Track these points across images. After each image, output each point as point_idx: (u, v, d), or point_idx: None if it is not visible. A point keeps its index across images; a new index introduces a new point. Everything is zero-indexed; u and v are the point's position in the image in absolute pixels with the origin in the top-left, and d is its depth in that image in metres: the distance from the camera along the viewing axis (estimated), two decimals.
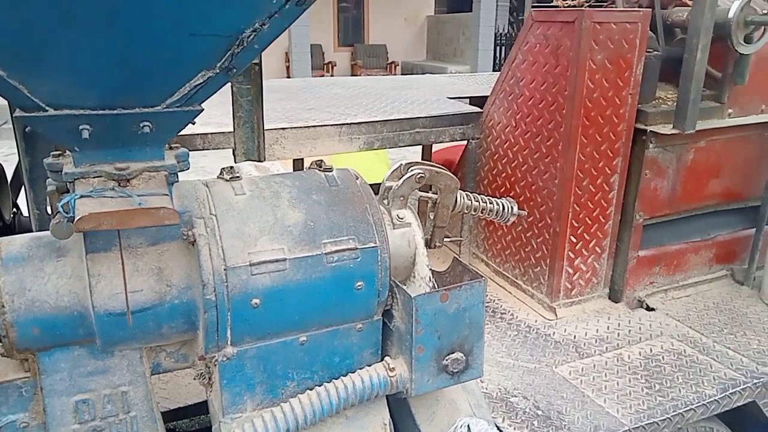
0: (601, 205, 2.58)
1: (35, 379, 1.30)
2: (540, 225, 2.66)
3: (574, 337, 2.50)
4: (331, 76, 14.87)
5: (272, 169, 1.81)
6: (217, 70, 1.12)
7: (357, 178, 1.55)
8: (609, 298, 2.80)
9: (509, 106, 2.75)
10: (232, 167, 1.49)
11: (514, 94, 2.71)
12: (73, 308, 1.25)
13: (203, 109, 1.21)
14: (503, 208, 1.79)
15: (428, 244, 1.75)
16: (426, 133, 2.75)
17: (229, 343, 1.35)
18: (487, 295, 2.92)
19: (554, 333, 2.53)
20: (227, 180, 1.44)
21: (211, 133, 2.25)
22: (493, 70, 13.10)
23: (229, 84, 1.81)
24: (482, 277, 1.54)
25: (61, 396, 1.31)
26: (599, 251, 2.68)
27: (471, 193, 1.76)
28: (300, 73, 13.54)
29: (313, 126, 2.51)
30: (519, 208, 1.82)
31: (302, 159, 4.28)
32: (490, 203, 1.78)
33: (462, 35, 15.21)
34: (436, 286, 1.76)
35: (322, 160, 1.57)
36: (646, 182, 2.54)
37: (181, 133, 2.29)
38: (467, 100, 3.41)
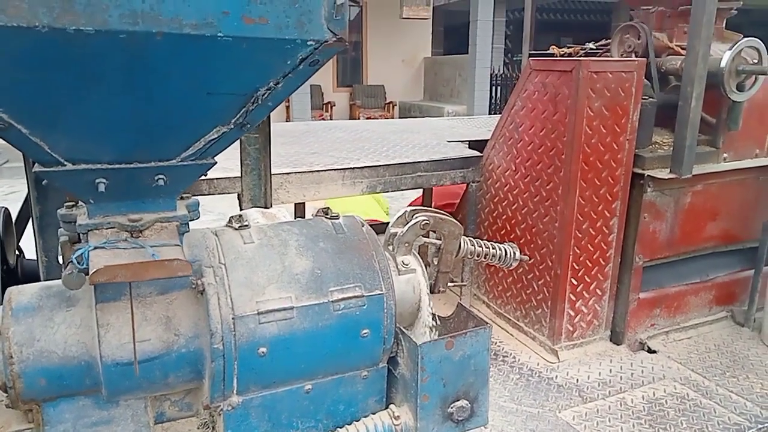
0: (601, 248, 2.60)
1: (39, 430, 1.29)
2: (541, 267, 2.67)
3: (577, 380, 2.48)
4: (330, 116, 15.02)
5: (279, 216, 1.83)
6: (232, 126, 1.15)
7: (363, 225, 1.57)
8: (611, 341, 2.79)
9: (509, 150, 2.80)
10: (240, 215, 1.51)
11: (513, 139, 2.76)
12: (81, 358, 1.25)
13: (216, 162, 1.24)
14: (506, 254, 1.80)
15: (432, 290, 1.76)
16: (427, 176, 2.78)
17: (234, 392, 1.35)
18: None
19: (557, 376, 2.51)
20: (236, 228, 1.45)
21: (217, 179, 2.28)
22: (489, 110, 13.31)
23: None
24: (487, 323, 1.55)
25: None
26: (600, 293, 2.68)
27: (474, 238, 1.78)
28: (300, 114, 13.62)
29: (317, 171, 2.55)
30: (521, 253, 1.84)
31: (303, 203, 4.34)
32: (493, 248, 1.80)
33: (458, 76, 15.48)
34: (440, 333, 1.76)
35: (328, 208, 1.60)
36: (645, 225, 2.57)
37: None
38: (467, 144, 3.47)
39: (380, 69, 16.55)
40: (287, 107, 14.33)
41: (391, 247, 1.64)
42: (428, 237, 1.73)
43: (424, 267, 1.66)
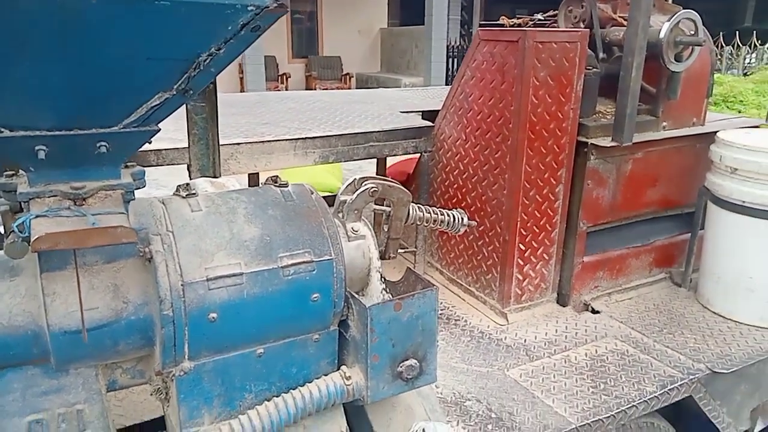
0: (548, 214, 2.70)
1: None
2: (490, 234, 2.76)
3: (525, 340, 2.60)
4: (286, 88, 14.78)
5: (228, 185, 1.84)
6: (174, 92, 1.16)
7: (312, 193, 1.60)
8: (557, 303, 2.93)
9: (459, 120, 2.85)
10: (188, 184, 1.51)
11: (463, 109, 2.81)
12: (27, 327, 1.25)
13: (160, 129, 1.24)
14: (454, 219, 1.87)
15: (383, 256, 1.81)
16: (380, 146, 2.82)
17: (186, 357, 1.37)
18: (441, 303, 3.01)
19: (506, 337, 2.63)
20: (183, 197, 1.46)
21: (165, 149, 2.25)
22: (446, 82, 13.36)
23: None
24: (434, 286, 1.61)
25: (13, 417, 1.31)
26: (547, 258, 2.80)
27: (423, 205, 1.84)
28: (254, 85, 13.39)
29: (268, 141, 2.55)
30: (469, 219, 1.91)
31: (257, 174, 4.31)
32: (442, 215, 1.85)
33: (415, 48, 15.43)
34: (391, 296, 1.82)
35: (277, 176, 1.62)
36: (589, 192, 2.68)
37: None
38: (420, 115, 3.51)
39: (336, 40, 16.33)
40: (241, 78, 14.04)
41: (341, 215, 1.67)
42: (380, 205, 1.78)
43: (373, 233, 1.70)
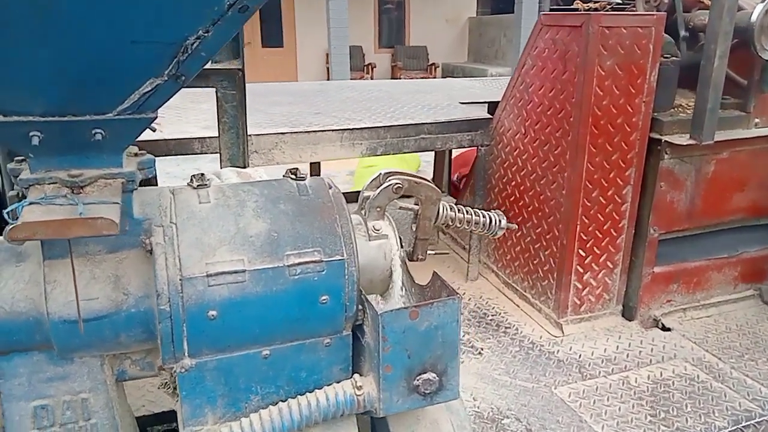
0: (613, 218, 2.46)
1: None
2: (548, 237, 2.56)
3: (579, 356, 2.39)
4: (371, 77, 14.89)
5: (254, 176, 1.79)
6: (166, 78, 1.10)
7: (330, 188, 1.51)
8: (623, 316, 2.68)
9: (519, 112, 2.66)
10: (203, 174, 1.47)
11: (523, 101, 2.62)
12: (29, 314, 1.26)
13: (156, 117, 1.19)
14: (490, 221, 1.72)
15: (411, 257, 1.70)
16: (431, 139, 2.69)
17: (186, 354, 1.33)
18: (493, 308, 2.85)
19: (558, 351, 2.43)
20: (194, 188, 1.42)
21: (209, 137, 2.25)
22: None
23: (214, 89, 1.81)
24: (457, 294, 1.48)
25: (19, 401, 1.32)
26: (611, 266, 2.56)
27: (456, 204, 1.70)
28: (339, 75, 13.60)
29: (313, 131, 2.49)
30: (508, 221, 1.75)
31: (319, 163, 4.30)
32: (476, 215, 1.71)
33: (503, 37, 14.99)
34: (414, 301, 1.71)
35: (297, 168, 1.54)
36: (662, 195, 2.42)
37: (179, 136, 2.28)
38: (485, 106, 3.33)
39: (423, 29, 16.19)
40: (328, 68, 14.29)
41: (363, 212, 1.57)
42: (409, 202, 1.67)
43: (397, 232, 1.59)
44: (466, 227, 1.72)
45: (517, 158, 2.72)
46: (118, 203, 1.19)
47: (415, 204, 1.65)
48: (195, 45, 1.05)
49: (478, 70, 14.54)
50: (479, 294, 2.95)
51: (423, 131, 2.67)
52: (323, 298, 1.39)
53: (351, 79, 13.58)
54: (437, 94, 3.44)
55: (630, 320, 2.65)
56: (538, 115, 2.52)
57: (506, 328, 2.63)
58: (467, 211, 1.71)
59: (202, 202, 1.38)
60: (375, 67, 15.58)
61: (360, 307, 1.49)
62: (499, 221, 1.73)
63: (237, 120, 1.79)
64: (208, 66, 1.82)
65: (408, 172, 1.59)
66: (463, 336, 2.55)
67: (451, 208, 1.68)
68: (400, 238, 1.81)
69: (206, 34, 1.04)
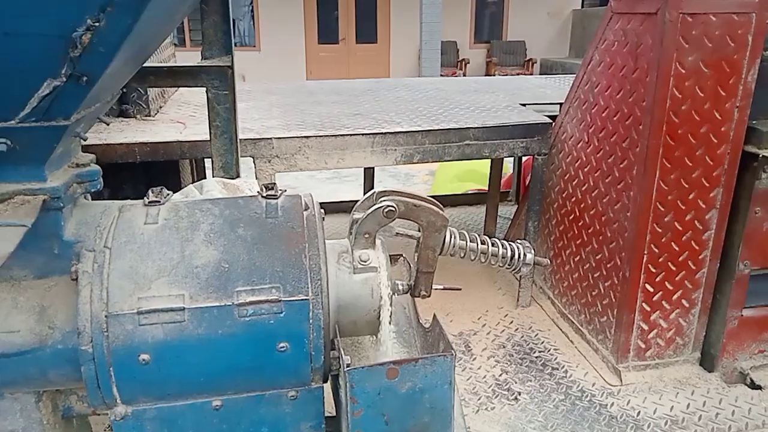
0: (691, 248, 2.03)
1: None
2: (608, 266, 2.17)
3: (638, 413, 2.00)
4: (464, 74, 14.54)
5: (243, 188, 1.59)
6: (64, 79, 0.90)
7: (306, 209, 1.26)
8: (700, 365, 2.23)
9: (582, 117, 2.28)
10: (162, 188, 1.28)
11: (588, 103, 2.24)
12: None
13: (69, 125, 1.00)
14: (512, 255, 1.40)
15: (412, 293, 1.43)
16: (478, 146, 2.37)
17: (118, 401, 1.14)
18: (542, 343, 2.48)
19: (613, 404, 2.04)
20: (146, 204, 1.23)
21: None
22: None
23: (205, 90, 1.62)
24: (452, 351, 1.19)
25: None
26: (687, 305, 2.13)
27: (470, 233, 1.40)
28: (429, 71, 13.43)
29: (341, 135, 2.26)
30: (538, 256, 1.42)
31: (372, 168, 4.06)
32: (493, 246, 1.40)
33: None
34: (418, 347, 1.43)
35: (274, 184, 1.31)
36: (757, 222, 1.96)
37: (193, 138, 2.11)
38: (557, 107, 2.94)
39: (522, 23, 15.53)
40: (419, 64, 14.09)
41: (350, 238, 1.32)
42: (412, 226, 1.39)
43: (389, 264, 1.32)
44: (482, 261, 1.42)
45: (578, 171, 2.34)
46: (25, 226, 1.01)
47: (418, 230, 1.37)
48: (87, 38, 0.84)
49: (578, 66, 13.70)
50: (528, 324, 2.60)
51: (468, 137, 2.36)
52: (281, 345, 1.16)
53: (442, 75, 13.27)
54: (498, 94, 3.09)
55: (709, 371, 2.20)
56: (603, 120, 2.13)
57: (553, 368, 2.27)
58: (482, 240, 1.40)
59: (148, 222, 1.19)
60: (468, 62, 15.20)
61: (336, 354, 1.25)
62: (523, 256, 1.41)
63: (230, 124, 1.59)
64: (196, 63, 1.64)
65: (407, 192, 1.32)
66: (500, 375, 2.22)
67: (461, 237, 1.38)
68: (410, 265, 1.54)
69: (97, 25, 0.83)
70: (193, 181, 3.14)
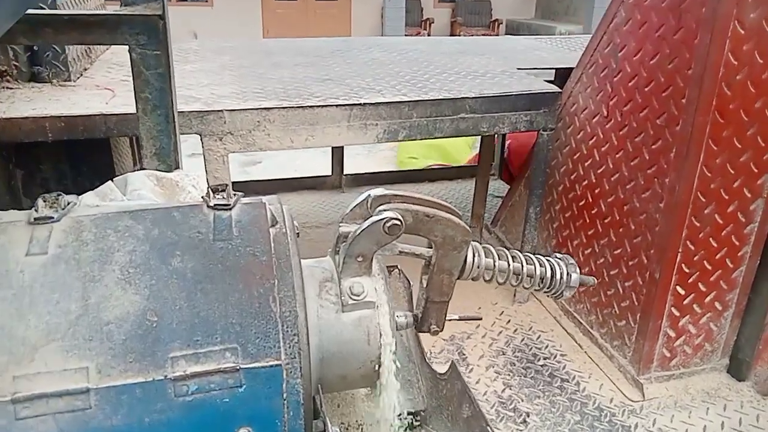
0: (731, 244, 1.75)
1: None
2: (631, 264, 1.87)
3: None
4: (428, 33, 14.17)
5: (185, 185, 1.19)
6: None
7: (274, 224, 0.89)
8: (728, 373, 1.98)
9: (600, 86, 1.94)
10: (59, 195, 0.88)
11: (609, 70, 1.89)
12: None
13: None
14: (553, 276, 1.06)
15: (419, 328, 1.08)
16: (474, 120, 2.01)
17: None
18: (546, 347, 2.19)
19: (637, 425, 1.77)
20: (31, 222, 0.83)
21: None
22: None
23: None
24: (487, 426, 0.85)
25: None
26: (720, 308, 1.86)
27: (497, 248, 1.05)
28: (393, 30, 13.07)
29: (310, 106, 1.86)
30: (583, 273, 1.09)
31: (342, 148, 3.66)
32: (529, 263, 1.06)
33: None
34: (435, 396, 1.10)
35: (226, 185, 0.93)
36: None
37: (127, 111, 1.69)
38: (552, 72, 2.60)
39: None
40: (382, 23, 13.56)
41: (336, 260, 0.96)
42: (419, 241, 1.03)
43: (391, 297, 0.97)
44: (513, 284, 1.07)
45: (592, 150, 2.01)
46: None
47: (429, 247, 1.01)
48: None
49: (545, 28, 13.58)
50: (528, 324, 2.30)
51: (463, 109, 1.99)
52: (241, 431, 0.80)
53: (406, 35, 12.82)
54: (489, 57, 2.72)
55: (739, 380, 1.96)
56: (629, 91, 1.80)
57: (563, 381, 1.98)
58: (516, 257, 1.05)
59: (32, 253, 0.80)
60: (433, 22, 14.81)
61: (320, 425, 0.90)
62: (567, 277, 1.07)
63: (164, 95, 1.18)
64: (113, 11, 1.22)
65: (414, 196, 0.95)
66: (503, 391, 1.92)
67: (487, 253, 1.03)
68: (409, 283, 1.20)
69: None
70: (134, 162, 2.72)
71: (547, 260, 1.08)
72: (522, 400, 1.89)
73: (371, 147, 7.05)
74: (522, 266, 1.05)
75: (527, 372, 2.03)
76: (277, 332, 0.80)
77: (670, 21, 1.61)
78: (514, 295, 2.45)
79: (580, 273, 1.09)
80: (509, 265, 1.05)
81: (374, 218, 0.91)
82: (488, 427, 0.87)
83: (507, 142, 3.36)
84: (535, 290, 1.09)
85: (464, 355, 2.12)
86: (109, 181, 1.12)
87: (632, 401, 1.89)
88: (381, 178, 3.90)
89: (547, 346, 2.17)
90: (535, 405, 1.87)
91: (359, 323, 0.94)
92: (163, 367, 0.75)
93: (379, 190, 0.97)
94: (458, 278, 1.03)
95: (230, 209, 0.88)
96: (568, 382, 1.98)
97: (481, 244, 1.06)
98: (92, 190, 1.12)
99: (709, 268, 1.78)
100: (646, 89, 1.73)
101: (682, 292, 1.80)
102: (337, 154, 3.72)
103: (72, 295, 0.76)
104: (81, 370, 0.73)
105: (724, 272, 1.80)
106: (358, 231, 0.91)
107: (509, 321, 2.33)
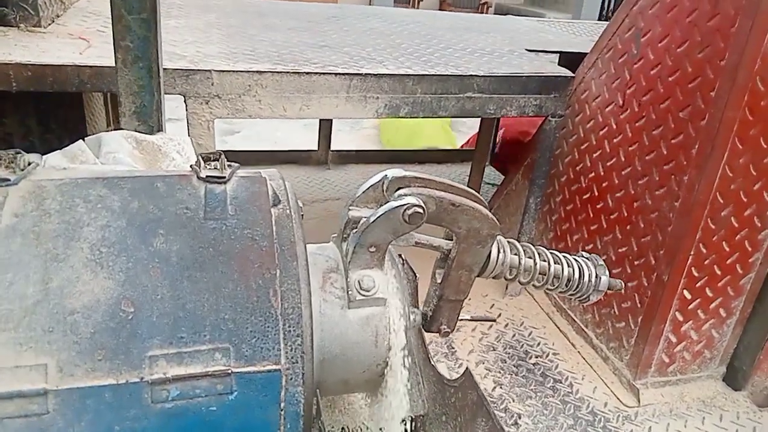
0: (743, 249, 1.68)
1: None
2: (637, 263, 1.79)
3: None
4: (416, 9, 13.94)
5: (167, 150, 1.06)
6: None
7: (277, 203, 0.76)
8: (724, 381, 1.93)
9: (618, 73, 1.84)
10: (17, 153, 0.74)
11: (628, 55, 1.79)
12: None
13: None
14: (581, 277, 0.96)
15: (428, 328, 0.97)
16: (482, 100, 1.89)
17: None
18: (537, 345, 2.12)
19: None
20: None
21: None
22: (600, 20, 11.58)
23: None
24: None
25: None
26: (724, 315, 1.80)
27: (523, 244, 0.95)
28: (381, 3, 12.80)
29: (307, 73, 1.72)
30: (612, 277, 1.00)
31: (330, 122, 3.51)
32: (556, 262, 0.96)
33: None
34: (442, 406, 1.00)
35: (220, 153, 0.80)
36: None
37: (103, 63, 1.57)
38: (556, 58, 2.49)
39: None
40: None
41: (344, 250, 0.84)
42: (435, 231, 0.92)
43: (406, 294, 0.86)
44: (536, 285, 0.97)
45: (603, 140, 1.92)
46: None
47: (447, 238, 0.90)
48: None
49: (533, 14, 13.45)
50: (519, 318, 2.22)
51: (471, 87, 1.87)
52: None
53: (395, 6, 12.62)
54: (495, 36, 2.60)
55: (736, 389, 1.91)
56: (651, 79, 1.70)
57: (556, 381, 1.91)
58: (540, 255, 0.95)
59: None
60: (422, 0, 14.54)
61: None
62: (596, 280, 0.97)
63: (148, 46, 1.04)
64: None
65: (436, 179, 0.84)
66: (494, 389, 1.84)
67: (513, 250, 0.92)
68: (414, 275, 1.09)
69: None
70: (108, 121, 2.53)
71: (575, 260, 0.98)
72: (513, 401, 1.81)
73: (354, 123, 6.89)
74: (549, 265, 0.95)
75: (518, 370, 1.96)
76: (277, 332, 0.68)
77: (704, 5, 1.51)
78: (506, 288, 2.36)
79: (610, 279, 1.00)
80: (536, 264, 0.94)
81: (393, 204, 0.79)
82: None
83: (500, 131, 3.26)
84: (560, 293, 1.00)
85: (453, 348, 2.04)
86: (80, 141, 0.98)
87: (627, 407, 1.82)
88: (369, 157, 3.77)
89: (539, 344, 2.10)
90: (527, 406, 1.80)
91: (367, 322, 0.83)
92: (139, 368, 0.63)
93: (397, 171, 0.85)
94: (478, 275, 0.92)
95: (225, 182, 0.76)
96: (561, 383, 1.91)
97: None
98: (60, 149, 0.98)
99: (719, 273, 1.71)
100: (670, 79, 1.63)
101: (689, 297, 1.73)
102: (325, 128, 3.58)
103: (30, 276, 0.63)
104: (38, 368, 0.61)
105: (732, 278, 1.74)
106: (374, 218, 0.80)
107: (500, 315, 2.25)
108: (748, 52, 1.40)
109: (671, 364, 1.86)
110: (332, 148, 3.63)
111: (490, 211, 0.87)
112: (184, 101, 1.70)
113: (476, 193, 0.88)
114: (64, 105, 1.98)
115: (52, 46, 1.66)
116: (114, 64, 1.21)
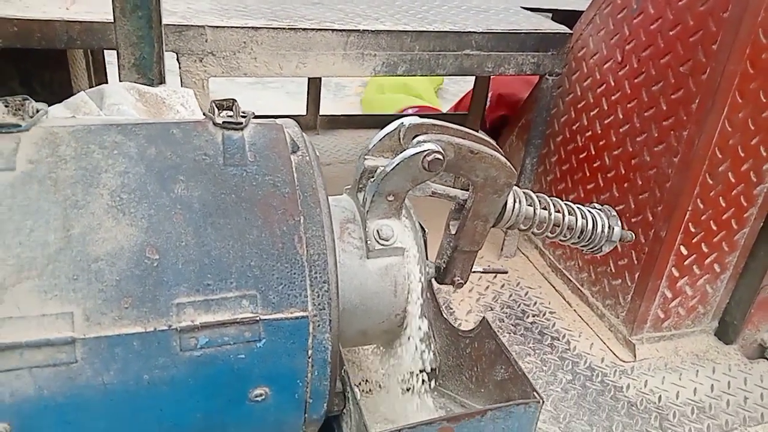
0: (739, 204, 1.70)
1: None
2: (634, 221, 1.81)
3: (659, 398, 1.72)
4: None
5: (171, 102, 1.03)
6: None
7: (295, 150, 0.75)
8: (715, 335, 1.98)
9: (617, 29, 1.83)
10: (25, 99, 0.72)
11: (628, 11, 1.78)
12: None
13: None
14: (594, 228, 0.97)
15: (441, 279, 0.98)
16: (479, 58, 1.87)
17: None
18: (534, 303, 2.14)
19: (629, 387, 1.75)
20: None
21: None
22: None
23: None
24: (537, 397, 0.76)
25: None
26: (718, 270, 1.83)
27: (537, 194, 0.95)
28: None
29: (303, 29, 1.68)
30: (624, 228, 1.01)
31: (318, 87, 3.45)
32: (570, 213, 0.97)
33: None
34: (457, 357, 1.01)
35: (233, 101, 0.78)
36: None
37: (93, 18, 1.52)
38: (550, 16, 2.46)
39: None
40: None
41: (362, 200, 0.83)
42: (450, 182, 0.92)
43: (423, 244, 0.86)
44: (549, 236, 0.98)
45: (600, 98, 1.91)
46: None
47: (463, 188, 0.90)
48: None
49: None
50: (516, 280, 2.24)
51: (469, 44, 1.85)
52: (257, 392, 0.68)
53: None
54: None
55: (727, 343, 1.96)
56: (651, 34, 1.69)
57: (553, 338, 1.94)
58: (557, 206, 0.96)
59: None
60: None
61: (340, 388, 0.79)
62: (609, 230, 0.98)
63: None
64: None
65: (453, 126, 0.83)
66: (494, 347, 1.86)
67: (529, 201, 0.93)
68: (423, 229, 1.08)
69: None
70: (90, 84, 2.46)
71: (589, 211, 0.99)
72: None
73: (336, 90, 6.80)
74: (564, 216, 0.96)
75: (516, 329, 1.98)
76: (303, 278, 0.68)
77: None
78: (501, 249, 2.38)
79: (622, 229, 1.01)
80: (550, 215, 0.95)
81: (412, 150, 0.79)
82: (535, 393, 0.79)
83: (489, 94, 3.24)
84: (572, 243, 1.00)
85: (451, 309, 2.05)
86: (82, 92, 0.95)
87: (623, 362, 1.86)
88: (359, 121, 3.72)
89: (535, 303, 2.12)
90: (526, 363, 1.83)
91: (386, 272, 0.83)
92: (166, 316, 0.63)
93: (414, 119, 0.84)
94: (493, 226, 0.93)
95: (242, 129, 0.74)
96: (559, 340, 1.95)
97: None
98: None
99: (715, 228, 1.74)
100: (671, 33, 1.62)
101: (685, 252, 1.76)
102: (313, 92, 3.52)
103: (50, 222, 0.62)
104: (64, 316, 0.60)
105: (728, 233, 1.76)
106: (392, 165, 0.79)
107: (496, 276, 2.27)
108: (752, 3, 1.40)
109: (666, 320, 1.90)
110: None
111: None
112: (177, 59, 1.65)
113: (493, 142, 0.87)
114: (49, 65, 1.92)
115: (36, 1, 1.59)
116: (104, 20, 1.17)
